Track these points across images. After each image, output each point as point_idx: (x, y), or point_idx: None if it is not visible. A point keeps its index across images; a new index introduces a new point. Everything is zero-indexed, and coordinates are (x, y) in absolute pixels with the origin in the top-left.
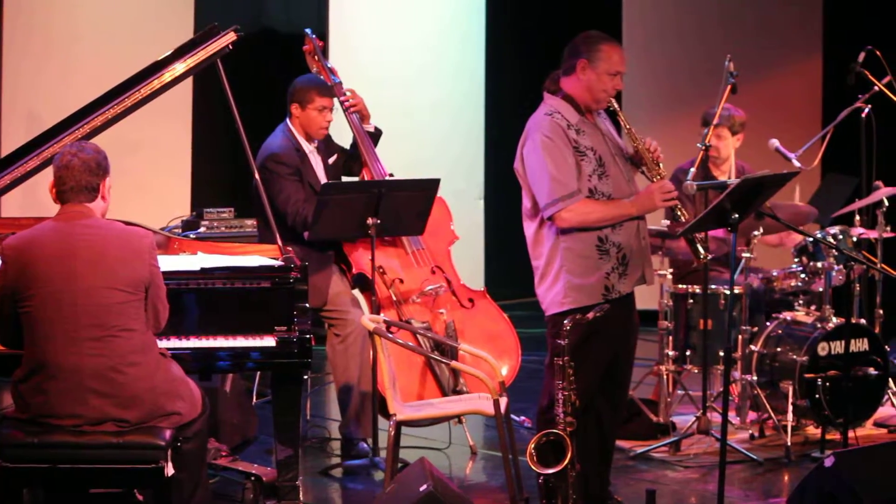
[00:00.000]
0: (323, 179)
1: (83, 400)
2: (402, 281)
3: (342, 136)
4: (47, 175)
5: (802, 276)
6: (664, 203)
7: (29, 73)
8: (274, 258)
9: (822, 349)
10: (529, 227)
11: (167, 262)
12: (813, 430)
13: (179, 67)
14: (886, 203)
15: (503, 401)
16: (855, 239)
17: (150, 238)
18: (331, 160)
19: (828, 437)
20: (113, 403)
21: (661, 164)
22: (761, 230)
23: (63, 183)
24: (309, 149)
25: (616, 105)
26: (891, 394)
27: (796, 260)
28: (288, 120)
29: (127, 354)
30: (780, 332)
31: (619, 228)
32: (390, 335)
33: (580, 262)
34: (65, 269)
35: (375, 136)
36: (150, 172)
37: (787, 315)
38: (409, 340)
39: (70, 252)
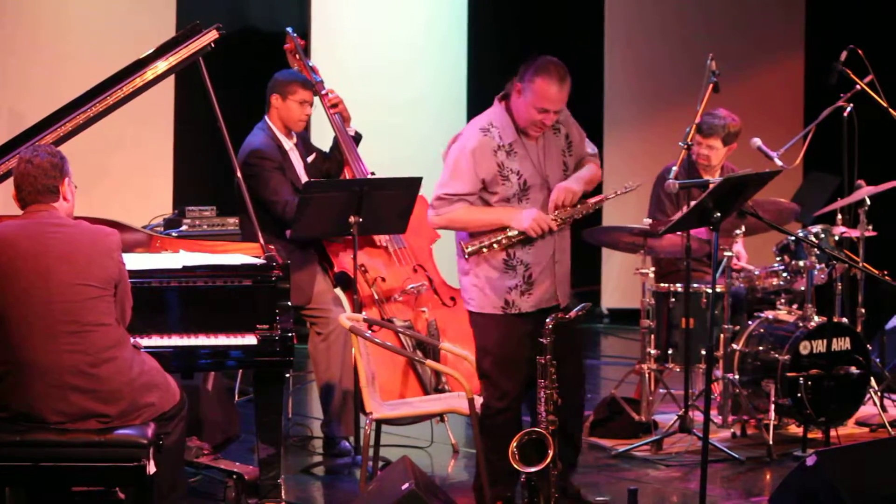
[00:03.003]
0: (303, 177)
1: (64, 397)
2: (384, 279)
3: (322, 137)
4: None
5: (784, 274)
6: (529, 228)
7: (14, 72)
8: (256, 256)
9: (804, 348)
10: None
11: (149, 260)
12: (795, 429)
13: (161, 66)
14: (868, 202)
15: (479, 400)
16: (837, 238)
17: (116, 236)
18: (309, 159)
19: (810, 435)
20: (93, 399)
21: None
22: (743, 229)
23: (21, 189)
24: (289, 145)
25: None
26: (872, 393)
27: (778, 259)
28: (266, 115)
29: (103, 350)
30: (762, 330)
31: (529, 247)
32: (367, 334)
33: (488, 271)
34: (38, 266)
35: (355, 140)
36: (132, 170)
37: (769, 314)
38: (391, 339)
39: (42, 250)
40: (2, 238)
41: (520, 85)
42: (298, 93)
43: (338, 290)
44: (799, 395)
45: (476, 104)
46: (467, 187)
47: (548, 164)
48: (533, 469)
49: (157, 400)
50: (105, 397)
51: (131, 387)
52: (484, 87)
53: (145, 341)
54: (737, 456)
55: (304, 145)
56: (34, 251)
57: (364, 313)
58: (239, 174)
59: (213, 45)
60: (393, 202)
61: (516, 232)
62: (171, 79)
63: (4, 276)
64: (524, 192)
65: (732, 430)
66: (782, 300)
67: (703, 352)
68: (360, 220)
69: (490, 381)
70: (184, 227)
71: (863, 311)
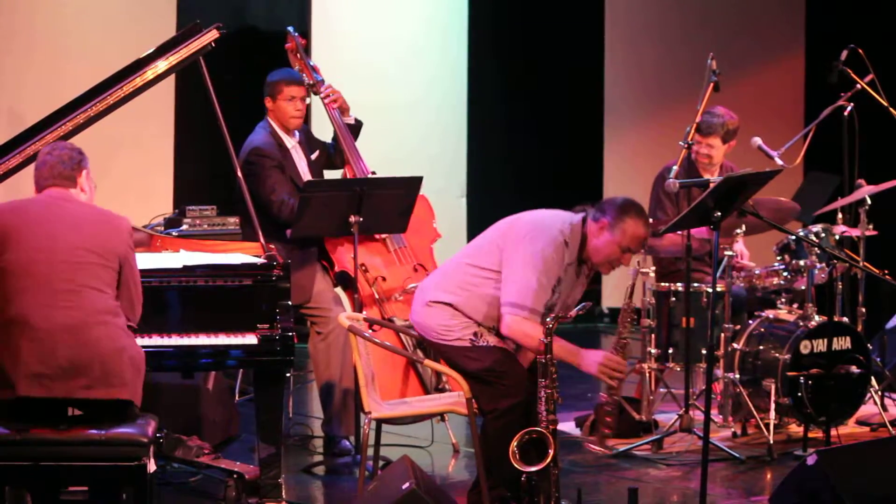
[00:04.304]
0: (306, 175)
1: (52, 352)
2: (384, 279)
3: (324, 131)
4: (29, 173)
5: (785, 274)
6: (600, 375)
7: (11, 72)
8: (256, 256)
9: (805, 347)
10: (468, 271)
11: (149, 260)
12: (795, 429)
13: (161, 65)
14: (869, 201)
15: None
16: (837, 237)
17: (127, 222)
18: (313, 156)
19: (810, 435)
20: (79, 356)
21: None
22: (744, 228)
23: (39, 176)
24: (291, 143)
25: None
26: (873, 392)
27: (779, 258)
28: (267, 116)
29: (97, 313)
30: (762, 330)
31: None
32: (367, 333)
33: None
34: (45, 230)
35: (356, 127)
36: (132, 170)
37: (770, 313)
38: (392, 338)
39: (52, 218)
40: (16, 206)
41: (606, 221)
42: (284, 91)
43: (338, 290)
44: (799, 394)
45: (476, 104)
46: (546, 295)
47: (571, 295)
48: (533, 468)
49: (133, 383)
50: (91, 356)
51: (119, 357)
52: (484, 88)
53: (146, 340)
54: (737, 455)
55: (309, 142)
56: (43, 219)
57: (364, 313)
58: (239, 174)
59: (213, 45)
60: (393, 201)
61: None
62: (172, 78)
63: (13, 237)
64: (549, 309)
65: (733, 430)
66: (783, 299)
67: (704, 351)
68: (361, 219)
69: (493, 384)
70: (184, 227)
71: (863, 310)
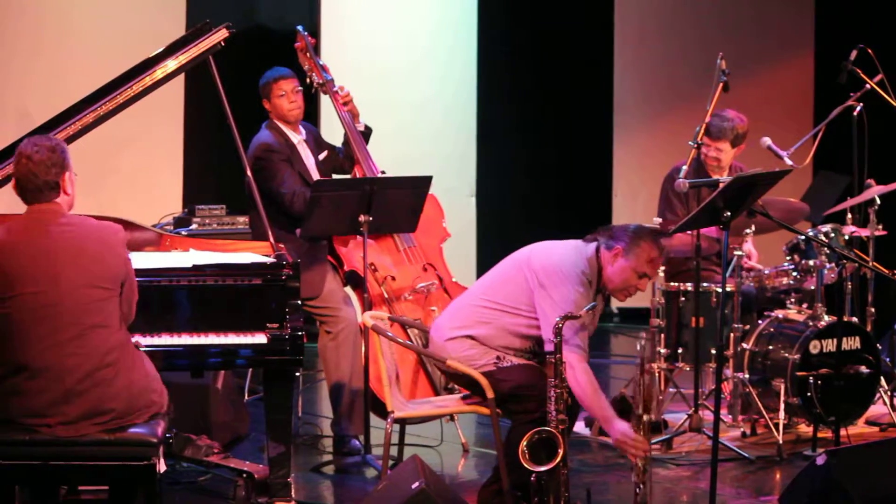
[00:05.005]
0: (313, 171)
1: (65, 400)
2: (393, 278)
3: (333, 133)
4: None
5: (794, 274)
6: (617, 445)
7: (19, 71)
8: (266, 255)
9: (814, 347)
10: (484, 305)
11: (159, 259)
12: (805, 429)
13: (171, 64)
14: (878, 201)
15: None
16: (847, 237)
17: (122, 232)
18: (321, 156)
19: (819, 435)
20: (95, 401)
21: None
22: (753, 228)
23: (22, 186)
24: (297, 139)
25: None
26: (882, 392)
27: (788, 258)
28: (270, 116)
29: (105, 354)
30: (772, 330)
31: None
32: (390, 334)
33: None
34: (45, 269)
35: (366, 134)
36: (141, 169)
37: (779, 313)
38: (403, 338)
39: (49, 252)
40: (7, 244)
41: (620, 248)
42: (275, 88)
43: (348, 289)
44: (809, 394)
45: (486, 103)
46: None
47: (589, 327)
48: (543, 468)
49: (158, 398)
50: (105, 399)
51: (130, 390)
52: (493, 87)
53: (155, 340)
54: (747, 455)
55: (316, 142)
56: (41, 254)
57: (379, 311)
58: (249, 173)
59: (223, 44)
60: (403, 201)
61: None
62: (182, 77)
63: (13, 279)
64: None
65: (742, 430)
66: (792, 299)
67: (714, 351)
68: (371, 218)
69: (528, 397)
70: (193, 226)
71: (873, 310)
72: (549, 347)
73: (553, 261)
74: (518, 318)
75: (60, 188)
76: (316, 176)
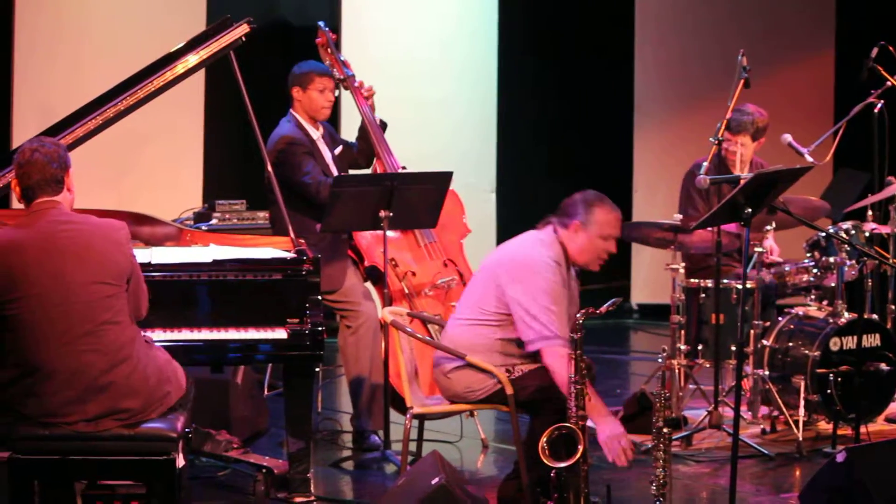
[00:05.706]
0: (332, 167)
1: (83, 398)
2: (414, 274)
3: (351, 129)
4: None
5: (815, 270)
6: (604, 445)
7: (40, 67)
8: (286, 250)
9: (834, 344)
10: (467, 327)
11: (179, 254)
12: (824, 426)
13: (192, 59)
14: None
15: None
16: (867, 234)
17: (125, 229)
18: (336, 151)
19: (839, 432)
20: (112, 398)
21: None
22: (774, 224)
23: (28, 177)
24: (315, 135)
25: None
26: None
27: (808, 255)
28: (291, 108)
29: (119, 349)
30: (792, 326)
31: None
32: (409, 329)
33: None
34: (52, 268)
35: (381, 127)
36: (162, 164)
37: (800, 310)
38: (422, 333)
39: (55, 250)
40: (12, 243)
41: (576, 222)
42: (316, 81)
43: (368, 284)
44: (829, 391)
45: (506, 100)
46: (564, 315)
47: (572, 306)
48: (563, 464)
49: (173, 390)
50: (123, 396)
51: (147, 384)
52: (513, 83)
53: (175, 335)
54: (766, 452)
55: (331, 138)
56: (46, 253)
57: (400, 307)
58: (269, 168)
59: (244, 39)
60: (424, 197)
61: None
62: (202, 72)
63: (18, 282)
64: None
65: (762, 427)
66: (812, 296)
67: (733, 347)
68: (391, 214)
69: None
70: (214, 221)
71: (893, 307)
72: (530, 348)
73: (518, 258)
74: (508, 327)
75: (64, 185)
76: (334, 171)
